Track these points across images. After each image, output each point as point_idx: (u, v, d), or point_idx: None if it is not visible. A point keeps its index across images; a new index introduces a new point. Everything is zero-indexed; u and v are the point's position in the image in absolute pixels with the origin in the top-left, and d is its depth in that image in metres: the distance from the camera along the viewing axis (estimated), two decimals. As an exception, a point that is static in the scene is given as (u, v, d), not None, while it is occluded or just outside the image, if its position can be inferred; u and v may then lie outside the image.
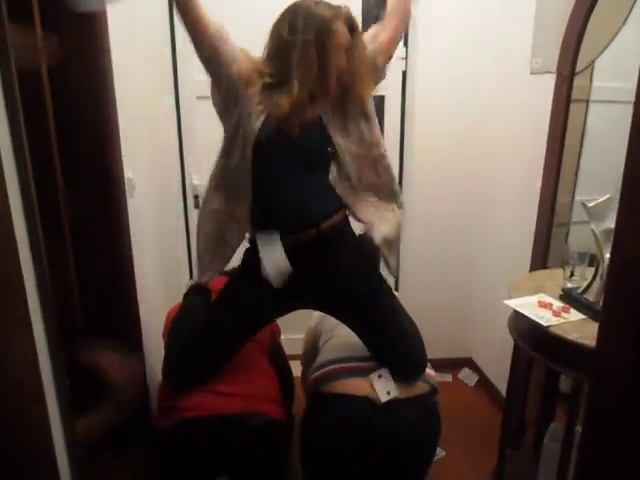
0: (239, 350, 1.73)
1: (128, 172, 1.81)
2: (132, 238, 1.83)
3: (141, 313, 1.93)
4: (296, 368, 2.18)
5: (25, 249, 0.88)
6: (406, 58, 2.62)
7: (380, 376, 1.61)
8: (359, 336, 1.72)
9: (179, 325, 1.87)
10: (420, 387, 1.65)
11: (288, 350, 2.22)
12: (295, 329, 2.24)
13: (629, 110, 0.72)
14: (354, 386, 1.60)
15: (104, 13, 1.59)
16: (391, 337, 1.67)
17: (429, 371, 1.72)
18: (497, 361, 2.54)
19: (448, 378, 2.91)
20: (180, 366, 1.71)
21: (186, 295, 2.08)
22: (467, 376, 2.94)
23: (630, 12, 1.75)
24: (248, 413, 1.58)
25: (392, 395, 1.57)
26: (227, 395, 1.62)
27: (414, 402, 1.61)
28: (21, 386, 0.84)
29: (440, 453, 2.28)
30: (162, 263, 2.46)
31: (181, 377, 1.70)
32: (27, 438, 0.85)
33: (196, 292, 2.06)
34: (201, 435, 1.56)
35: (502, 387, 2.31)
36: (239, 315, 1.67)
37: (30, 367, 0.85)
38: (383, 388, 1.59)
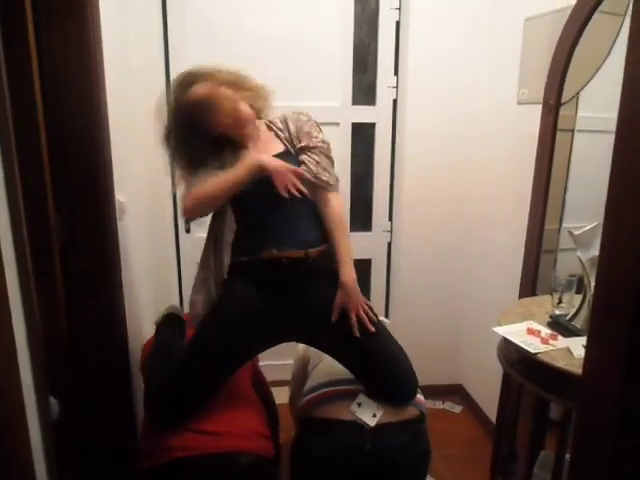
0: (227, 381, 1.66)
1: (119, 195, 1.82)
2: (122, 258, 1.83)
3: (129, 337, 1.91)
4: (278, 394, 2.16)
5: (12, 269, 0.87)
6: (397, 87, 2.66)
7: (360, 404, 1.60)
8: (347, 368, 1.69)
9: (157, 360, 1.78)
10: (409, 412, 1.64)
11: (269, 376, 2.18)
12: (276, 356, 2.20)
13: (613, 140, 0.74)
14: (343, 410, 1.59)
15: (99, 35, 1.61)
16: (379, 367, 1.65)
17: (419, 397, 1.71)
18: (487, 388, 2.53)
19: (439, 405, 2.88)
20: (165, 403, 1.62)
21: (159, 327, 1.98)
22: (453, 405, 2.92)
23: (614, 44, 1.80)
24: (237, 452, 1.52)
25: (378, 416, 1.57)
26: (215, 434, 1.55)
27: (402, 427, 1.60)
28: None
29: (431, 482, 2.25)
30: (154, 287, 2.45)
31: (167, 415, 1.62)
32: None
33: (168, 323, 1.98)
34: (190, 476, 1.50)
35: (493, 414, 2.30)
36: (235, 344, 1.63)
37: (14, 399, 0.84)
38: (367, 413, 1.58)
